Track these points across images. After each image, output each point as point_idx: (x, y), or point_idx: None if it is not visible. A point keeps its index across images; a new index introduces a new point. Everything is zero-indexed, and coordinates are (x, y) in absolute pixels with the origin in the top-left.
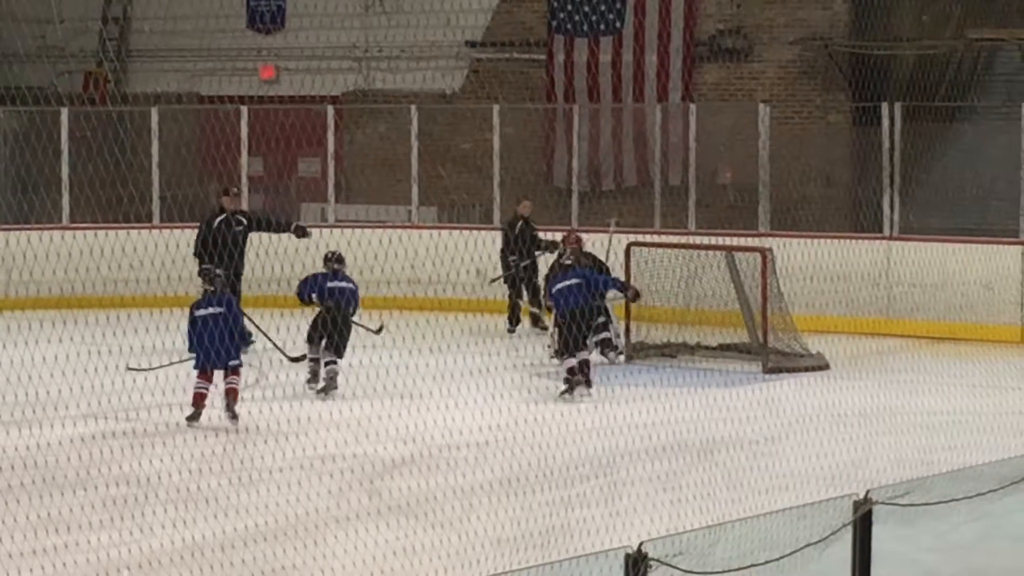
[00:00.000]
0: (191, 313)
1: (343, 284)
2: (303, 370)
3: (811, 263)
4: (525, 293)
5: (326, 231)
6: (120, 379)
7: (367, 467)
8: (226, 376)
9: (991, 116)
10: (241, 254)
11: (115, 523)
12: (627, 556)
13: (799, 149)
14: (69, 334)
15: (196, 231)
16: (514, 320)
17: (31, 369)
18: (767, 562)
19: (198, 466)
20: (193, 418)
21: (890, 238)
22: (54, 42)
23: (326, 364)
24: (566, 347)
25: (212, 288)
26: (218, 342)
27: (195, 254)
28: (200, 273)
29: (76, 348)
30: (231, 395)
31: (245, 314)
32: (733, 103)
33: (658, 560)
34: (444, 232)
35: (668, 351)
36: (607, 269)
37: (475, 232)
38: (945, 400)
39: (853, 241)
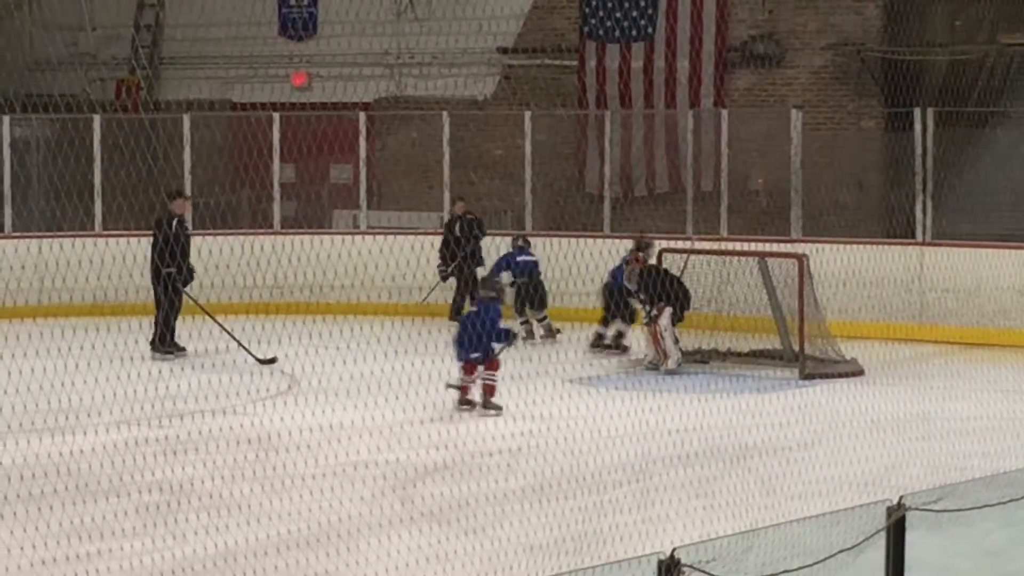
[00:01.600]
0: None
1: (526, 258)
2: (325, 376)
3: (844, 269)
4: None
5: (359, 238)
6: (153, 386)
7: (400, 474)
8: (485, 369)
9: None
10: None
11: (148, 530)
12: (660, 562)
13: (831, 155)
14: (102, 341)
15: (151, 237)
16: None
17: (64, 376)
18: (800, 568)
19: (231, 473)
20: (462, 404)
21: (923, 243)
22: (86, 49)
23: (539, 320)
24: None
25: (493, 294)
26: (468, 339)
27: (155, 260)
28: (163, 278)
29: (109, 355)
30: (487, 390)
31: (215, 318)
32: (765, 108)
33: (691, 566)
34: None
35: (700, 357)
36: (672, 282)
37: (507, 238)
38: (979, 406)
39: (886, 247)
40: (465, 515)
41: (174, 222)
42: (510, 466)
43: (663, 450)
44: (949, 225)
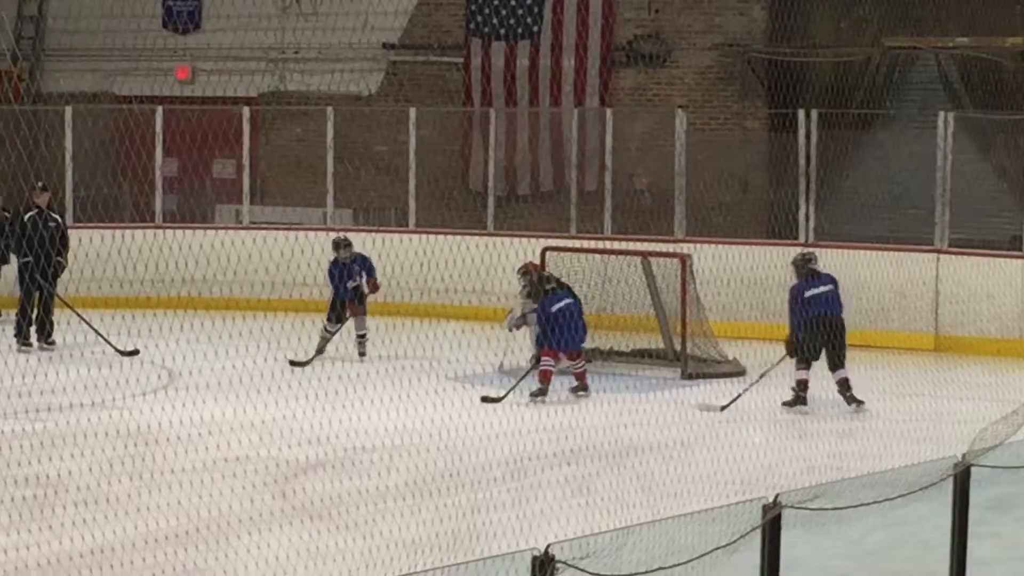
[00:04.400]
0: (544, 308)
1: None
2: (203, 371)
3: (726, 269)
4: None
5: (241, 233)
6: (30, 378)
7: (276, 469)
8: (574, 359)
9: (906, 124)
10: (57, 251)
11: (21, 524)
12: (534, 559)
13: (715, 155)
14: None
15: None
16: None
17: None
18: (675, 565)
19: (106, 467)
20: (540, 394)
21: (805, 244)
22: None
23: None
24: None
25: (553, 287)
26: (570, 330)
27: (11, 250)
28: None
29: None
30: (581, 377)
31: (75, 310)
32: (650, 108)
33: (565, 562)
34: (359, 234)
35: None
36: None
37: (389, 235)
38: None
39: (768, 247)
40: (341, 511)
41: (28, 214)
42: (386, 463)
43: (542, 448)
44: (831, 226)
